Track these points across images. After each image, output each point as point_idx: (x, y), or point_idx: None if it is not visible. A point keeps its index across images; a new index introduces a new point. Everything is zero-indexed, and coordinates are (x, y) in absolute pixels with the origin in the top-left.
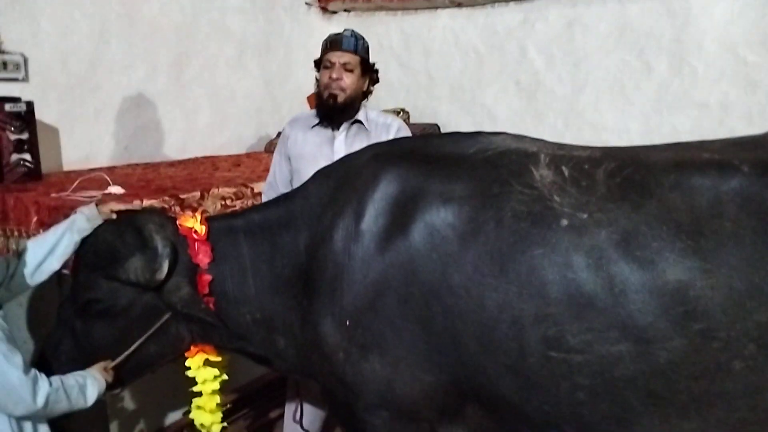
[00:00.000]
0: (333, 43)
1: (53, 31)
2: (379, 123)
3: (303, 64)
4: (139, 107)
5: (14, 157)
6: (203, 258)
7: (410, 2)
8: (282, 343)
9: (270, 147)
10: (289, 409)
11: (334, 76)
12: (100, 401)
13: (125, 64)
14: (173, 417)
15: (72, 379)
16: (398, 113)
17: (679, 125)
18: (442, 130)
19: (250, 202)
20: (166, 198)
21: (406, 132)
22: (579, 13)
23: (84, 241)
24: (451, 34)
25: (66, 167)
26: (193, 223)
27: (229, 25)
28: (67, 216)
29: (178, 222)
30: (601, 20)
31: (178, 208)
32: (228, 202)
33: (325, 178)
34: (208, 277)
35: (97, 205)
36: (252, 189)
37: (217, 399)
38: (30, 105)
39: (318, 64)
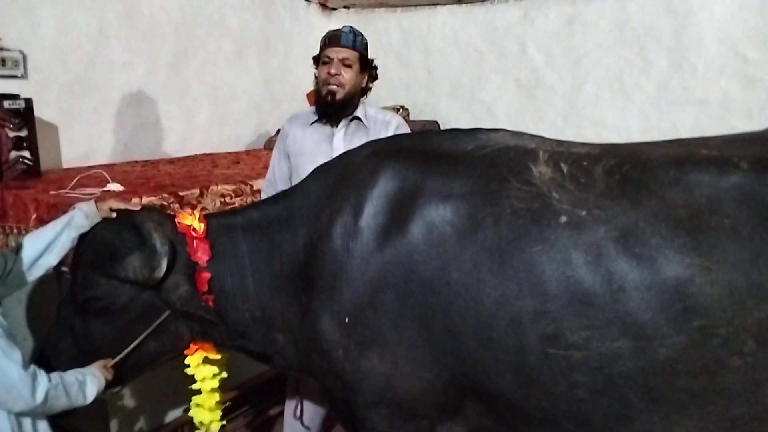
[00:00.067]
0: (331, 39)
1: (52, 28)
2: (378, 120)
3: (302, 61)
4: (138, 104)
5: (13, 154)
6: (202, 256)
7: None
8: (281, 340)
9: (269, 144)
10: (290, 406)
11: (333, 71)
12: (99, 399)
13: (124, 61)
14: (173, 415)
15: (71, 376)
16: (398, 110)
17: (679, 122)
18: (442, 128)
19: (249, 200)
20: (166, 195)
21: (405, 129)
22: (579, 10)
23: (82, 239)
24: (451, 31)
25: (65, 164)
26: (191, 220)
27: (229, 23)
28: (66, 213)
29: (176, 220)
30: (600, 17)
31: (177, 206)
32: (227, 199)
33: (323, 175)
34: (207, 275)
35: (96, 202)
36: (251, 186)
37: (217, 397)
38: (29, 102)
39: (317, 60)
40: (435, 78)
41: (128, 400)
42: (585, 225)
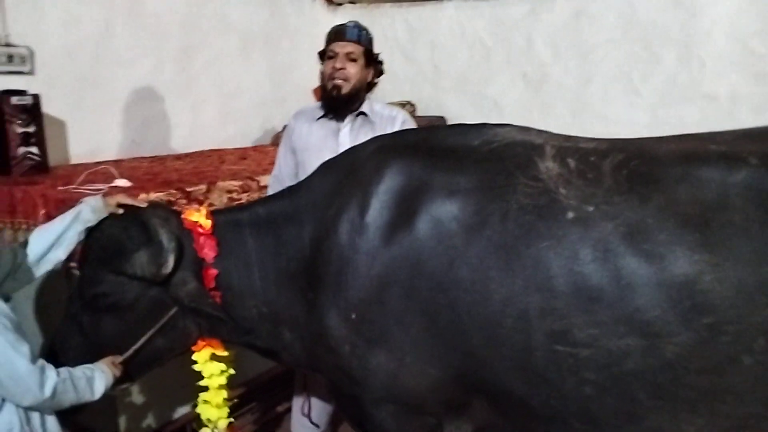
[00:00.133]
0: (336, 34)
1: (59, 24)
2: (384, 115)
3: (308, 57)
4: (145, 100)
5: (21, 150)
6: (209, 252)
7: None
8: (288, 336)
9: (276, 140)
10: (297, 402)
11: (338, 65)
12: (108, 395)
13: (131, 57)
14: (181, 411)
15: (80, 371)
16: (404, 106)
17: (687, 117)
18: (449, 123)
19: (256, 195)
20: (173, 191)
21: (411, 124)
22: (586, 4)
23: (89, 235)
24: (457, 25)
25: (73, 160)
26: (198, 217)
27: (234, 18)
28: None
29: (183, 216)
30: (608, 11)
31: (184, 202)
32: (234, 195)
33: (329, 170)
34: (213, 272)
35: (104, 196)
36: (258, 182)
37: (224, 394)
38: (36, 98)
39: (322, 55)
40: (441, 73)
41: (137, 396)
42: (592, 221)
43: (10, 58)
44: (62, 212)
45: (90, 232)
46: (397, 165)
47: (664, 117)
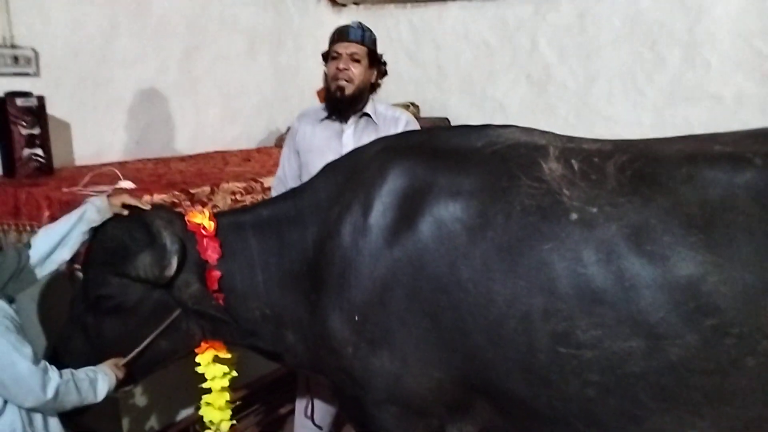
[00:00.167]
0: (340, 35)
1: (64, 25)
2: (388, 116)
3: (313, 58)
4: (149, 102)
5: (26, 151)
6: (212, 254)
7: None
8: (291, 338)
9: (280, 141)
10: (300, 404)
11: (342, 66)
12: (112, 397)
13: (136, 58)
14: (184, 413)
15: (83, 373)
16: (408, 107)
17: (693, 118)
18: (452, 124)
19: (260, 197)
20: (177, 192)
21: (415, 125)
22: (590, 4)
23: (93, 237)
24: (462, 26)
25: (78, 162)
26: (201, 219)
27: (239, 19)
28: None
29: (186, 218)
30: (613, 12)
31: (188, 203)
32: (238, 196)
33: (333, 172)
34: (217, 274)
35: (108, 197)
36: (262, 184)
37: (227, 396)
38: (41, 100)
39: (326, 56)
40: (445, 74)
41: (140, 398)
42: (596, 222)
43: (15, 59)
44: (66, 214)
45: (94, 234)
46: (400, 166)
47: (669, 118)
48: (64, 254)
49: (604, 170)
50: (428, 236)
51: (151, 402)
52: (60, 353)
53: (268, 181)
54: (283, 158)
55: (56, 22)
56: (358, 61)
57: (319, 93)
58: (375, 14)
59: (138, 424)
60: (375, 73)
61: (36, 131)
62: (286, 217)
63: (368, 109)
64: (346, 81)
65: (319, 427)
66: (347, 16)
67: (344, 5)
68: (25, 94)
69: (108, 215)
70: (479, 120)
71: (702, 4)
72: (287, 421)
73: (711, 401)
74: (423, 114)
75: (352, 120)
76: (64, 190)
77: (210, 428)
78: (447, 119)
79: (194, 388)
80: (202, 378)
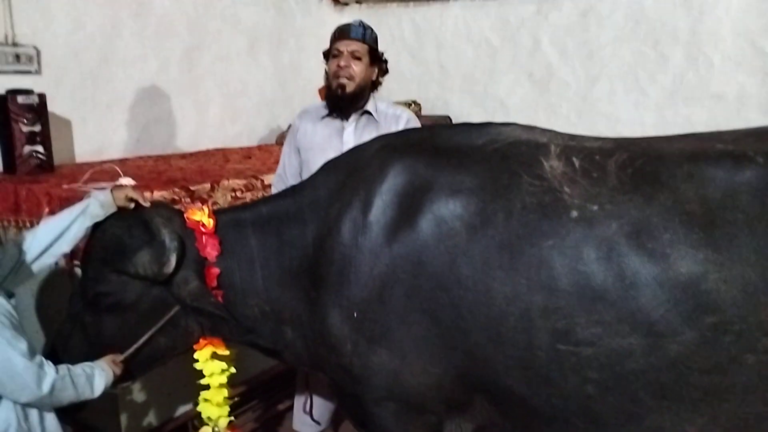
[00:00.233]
0: (341, 33)
1: (66, 23)
2: (389, 114)
3: (314, 57)
4: (150, 100)
5: (27, 149)
6: (211, 251)
7: None
8: (290, 335)
9: (281, 139)
10: (299, 400)
11: (343, 64)
12: (110, 393)
13: (137, 56)
14: (182, 410)
15: (80, 368)
16: (410, 105)
17: (695, 117)
18: (454, 122)
19: (260, 194)
20: (177, 190)
21: (416, 123)
22: (592, 3)
23: (92, 233)
24: (464, 25)
25: (78, 159)
26: (200, 216)
27: (241, 18)
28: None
29: (185, 215)
30: (615, 10)
31: (188, 200)
32: (238, 194)
33: (333, 169)
34: (216, 271)
35: (112, 191)
36: (262, 181)
37: (225, 392)
38: (42, 97)
39: (327, 54)
40: (447, 73)
41: (138, 394)
42: (597, 220)
43: (17, 57)
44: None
45: (92, 230)
46: (400, 164)
47: (671, 117)
48: (64, 247)
49: (606, 168)
50: (428, 234)
51: (150, 398)
52: (59, 350)
53: (268, 179)
54: (283, 156)
55: (58, 20)
56: (359, 58)
57: (320, 91)
58: (377, 13)
59: (136, 420)
60: (376, 71)
61: (37, 128)
62: (286, 214)
63: (369, 106)
64: (347, 78)
65: (318, 423)
66: (349, 15)
67: (346, 4)
68: (27, 92)
69: (112, 210)
70: (480, 118)
71: (704, 4)
72: (286, 418)
73: (710, 399)
74: (425, 112)
75: (353, 118)
76: (65, 187)
77: (208, 424)
78: (449, 117)
79: (193, 384)
80: (201, 374)
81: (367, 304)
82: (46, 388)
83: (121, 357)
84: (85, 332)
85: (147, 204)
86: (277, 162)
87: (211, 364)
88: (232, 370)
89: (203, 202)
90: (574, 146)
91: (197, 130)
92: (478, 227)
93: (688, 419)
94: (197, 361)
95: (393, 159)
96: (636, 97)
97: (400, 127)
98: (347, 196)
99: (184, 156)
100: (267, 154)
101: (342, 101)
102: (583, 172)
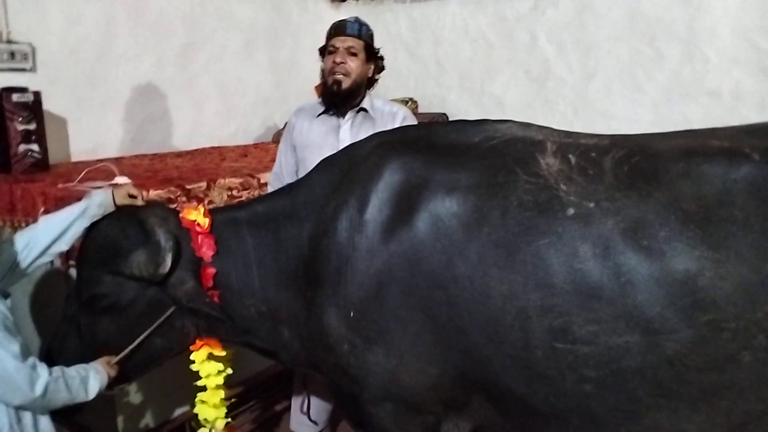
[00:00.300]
0: (337, 29)
1: (61, 21)
2: (385, 111)
3: (311, 54)
4: (146, 98)
5: (22, 147)
6: (207, 251)
7: None
8: (287, 335)
9: (277, 137)
10: (296, 400)
11: (338, 60)
12: (107, 395)
13: (132, 54)
14: (180, 411)
15: (74, 370)
16: (407, 102)
17: (691, 114)
18: (451, 120)
19: (256, 193)
20: (173, 188)
21: (412, 120)
22: (589, 0)
23: (86, 234)
24: (461, 21)
25: (74, 158)
26: (196, 215)
27: (237, 15)
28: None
29: (180, 215)
30: (612, 7)
31: (184, 199)
32: (234, 192)
33: (329, 167)
34: (212, 271)
35: (113, 191)
36: (258, 179)
37: (222, 394)
38: (37, 95)
39: (322, 51)
40: (444, 69)
41: (135, 396)
42: (593, 217)
43: (12, 55)
44: (62, 209)
45: (87, 231)
46: (396, 162)
47: (668, 114)
48: (62, 246)
49: (602, 165)
50: (424, 232)
51: (147, 399)
52: (54, 353)
53: (265, 177)
54: (279, 154)
55: (53, 17)
56: (355, 54)
57: (317, 89)
58: (374, 10)
59: (133, 421)
60: (372, 67)
61: (32, 127)
62: (282, 213)
63: (365, 104)
64: (343, 74)
65: (315, 423)
66: (346, 12)
67: (343, 0)
68: (22, 90)
69: (111, 209)
70: (478, 115)
71: (701, 0)
72: (283, 418)
73: (707, 396)
74: (422, 109)
75: (349, 115)
76: (60, 186)
77: (205, 426)
78: (445, 115)
79: (189, 385)
80: (198, 375)
81: (364, 303)
82: (39, 390)
83: (116, 358)
84: (81, 334)
85: (142, 203)
86: (273, 160)
87: (208, 365)
88: (229, 371)
89: (199, 200)
90: (570, 143)
91: (193, 129)
92: (474, 225)
93: (686, 417)
94: (193, 362)
95: (389, 157)
96: (632, 94)
97: (397, 124)
98: (343, 194)
99: (180, 154)
100: (263, 152)
101: (338, 97)
102: (579, 169)
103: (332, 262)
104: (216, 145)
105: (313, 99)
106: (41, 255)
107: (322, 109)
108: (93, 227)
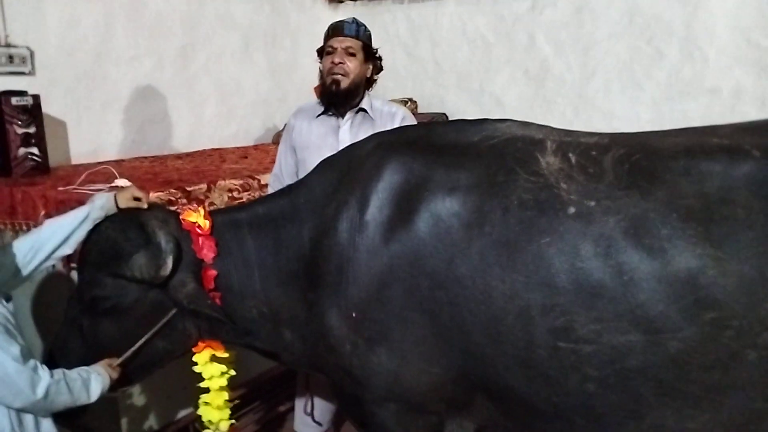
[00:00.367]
0: (335, 30)
1: (59, 24)
2: (384, 112)
3: (310, 55)
4: (145, 100)
5: (21, 151)
6: (208, 253)
7: None
8: (289, 336)
9: (277, 138)
10: (300, 401)
11: (337, 60)
12: (111, 397)
13: (131, 56)
14: (183, 413)
15: (75, 373)
16: (406, 103)
17: (690, 112)
18: (450, 119)
19: (257, 194)
20: (173, 190)
21: (411, 120)
22: None
23: (89, 236)
24: (459, 21)
25: (74, 161)
26: (196, 217)
27: (235, 16)
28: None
29: (181, 217)
30: (610, 5)
31: (184, 201)
32: (235, 194)
33: (329, 168)
34: (213, 272)
35: (116, 195)
36: (259, 181)
37: (225, 395)
38: (37, 98)
39: (321, 52)
40: (443, 69)
41: (138, 398)
42: (594, 216)
43: (11, 58)
44: (62, 213)
45: (89, 233)
46: (396, 162)
47: (667, 112)
48: (66, 250)
49: (602, 164)
50: (425, 232)
51: (150, 401)
52: (56, 355)
53: (265, 178)
54: (279, 155)
55: (51, 20)
56: (353, 54)
57: (316, 90)
58: (372, 10)
59: (137, 423)
60: (370, 68)
61: (31, 130)
62: (282, 214)
63: (364, 104)
64: (342, 75)
65: (319, 424)
66: (344, 13)
67: (341, 1)
68: (21, 93)
69: (113, 212)
70: (476, 115)
71: None
72: (287, 419)
73: (711, 395)
74: (421, 109)
75: (348, 115)
76: (60, 189)
77: (209, 427)
78: (444, 114)
79: (193, 387)
80: (201, 377)
81: (366, 304)
82: (40, 392)
83: (117, 361)
84: (83, 336)
85: (145, 206)
86: (273, 161)
87: (211, 366)
88: (232, 372)
89: (200, 202)
90: (570, 142)
91: (193, 130)
92: (474, 225)
93: (690, 416)
94: (196, 364)
95: (389, 157)
96: (632, 93)
97: (396, 124)
98: (343, 194)
99: (179, 156)
100: (263, 153)
101: (337, 97)
102: (579, 168)
103: (333, 262)
104: (216, 146)
105: (313, 100)
106: (46, 259)
107: (322, 109)
108: (94, 230)
